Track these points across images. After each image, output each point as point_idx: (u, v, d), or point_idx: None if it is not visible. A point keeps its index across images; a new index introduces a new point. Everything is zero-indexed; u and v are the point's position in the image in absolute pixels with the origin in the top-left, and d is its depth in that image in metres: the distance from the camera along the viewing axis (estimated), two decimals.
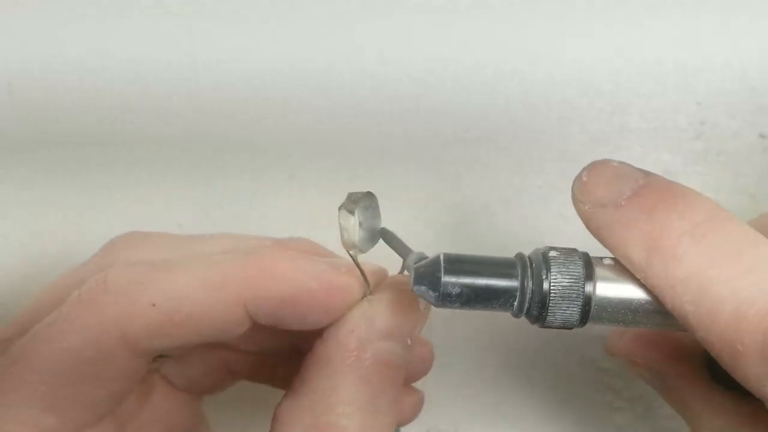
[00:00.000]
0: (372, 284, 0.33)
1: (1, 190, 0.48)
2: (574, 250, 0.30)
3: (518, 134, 0.47)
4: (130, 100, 0.47)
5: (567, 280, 0.29)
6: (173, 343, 0.32)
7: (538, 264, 0.30)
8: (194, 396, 0.38)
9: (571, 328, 0.30)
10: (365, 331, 0.32)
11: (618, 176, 0.29)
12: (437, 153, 0.48)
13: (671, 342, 0.37)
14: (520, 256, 0.30)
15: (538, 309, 0.30)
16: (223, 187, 0.48)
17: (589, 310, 0.29)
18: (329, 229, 0.46)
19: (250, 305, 0.31)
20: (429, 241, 0.47)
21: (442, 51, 0.48)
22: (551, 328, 0.30)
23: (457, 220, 0.48)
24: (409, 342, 0.33)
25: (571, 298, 0.29)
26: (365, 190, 0.33)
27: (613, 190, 0.29)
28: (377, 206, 0.33)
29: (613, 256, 0.30)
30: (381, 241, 0.33)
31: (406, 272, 0.32)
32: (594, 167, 0.30)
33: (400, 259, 0.32)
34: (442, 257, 0.29)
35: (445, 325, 0.45)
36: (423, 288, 0.29)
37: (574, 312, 0.29)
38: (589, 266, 0.30)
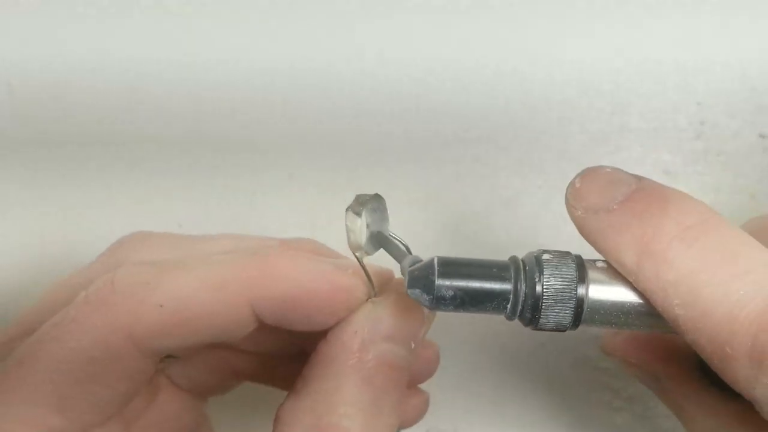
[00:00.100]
0: (377, 286, 0.33)
1: (1, 190, 0.48)
2: (567, 253, 0.30)
3: (518, 134, 0.47)
4: (130, 100, 0.47)
5: (560, 283, 0.29)
6: (181, 343, 0.32)
7: (531, 267, 0.30)
8: (199, 397, 0.38)
9: (563, 331, 0.30)
10: (369, 332, 0.32)
11: (611, 182, 0.29)
12: (437, 153, 0.48)
13: (664, 344, 0.37)
14: (513, 259, 0.30)
15: (531, 311, 0.30)
16: (223, 187, 0.48)
17: (581, 312, 0.30)
18: (329, 229, 0.46)
19: (256, 305, 0.32)
20: (429, 241, 0.47)
21: (442, 51, 0.48)
22: (544, 330, 0.30)
23: (457, 220, 0.48)
24: (413, 346, 0.33)
25: (563, 301, 0.29)
26: (365, 190, 0.33)
27: (606, 196, 0.29)
28: (385, 209, 0.34)
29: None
30: None
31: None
32: (587, 173, 0.30)
33: None
34: (435, 260, 0.29)
35: (443, 326, 0.45)
36: (417, 291, 0.29)
37: (566, 314, 0.29)
38: (582, 269, 0.30)
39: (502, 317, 0.30)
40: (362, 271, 0.33)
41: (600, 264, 0.30)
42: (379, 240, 0.33)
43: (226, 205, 0.48)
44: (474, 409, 0.48)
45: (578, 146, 0.47)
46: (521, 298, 0.29)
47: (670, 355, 0.37)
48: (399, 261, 0.32)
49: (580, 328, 0.30)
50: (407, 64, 0.48)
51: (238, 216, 0.48)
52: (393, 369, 0.32)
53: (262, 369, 0.39)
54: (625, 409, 0.47)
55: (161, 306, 0.31)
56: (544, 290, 0.29)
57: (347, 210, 0.32)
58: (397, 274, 0.35)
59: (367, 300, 0.33)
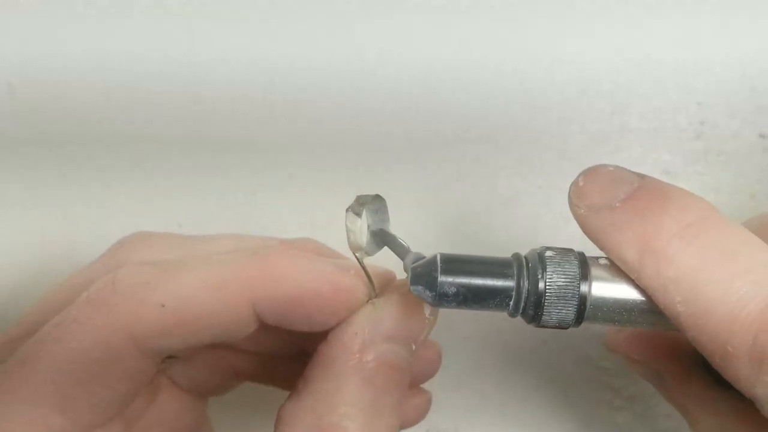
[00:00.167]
0: (378, 287, 0.33)
1: (1, 190, 0.48)
2: (570, 250, 0.30)
3: (518, 134, 0.47)
4: (130, 100, 0.47)
5: (563, 280, 0.29)
6: (182, 343, 0.32)
7: (534, 264, 0.30)
8: (199, 397, 0.38)
9: (566, 328, 0.30)
10: (369, 333, 0.32)
11: (613, 180, 0.30)
12: (437, 153, 0.48)
13: (666, 341, 0.37)
14: (516, 256, 0.30)
15: (533, 308, 0.30)
16: (223, 187, 0.48)
17: (584, 309, 0.29)
18: (329, 229, 0.46)
19: (257, 305, 0.32)
20: (429, 241, 0.47)
21: (442, 51, 0.48)
22: (547, 327, 0.30)
23: (457, 220, 0.48)
24: (414, 347, 0.33)
25: (566, 298, 0.29)
26: (365, 190, 0.33)
27: (608, 194, 0.29)
28: (386, 210, 0.34)
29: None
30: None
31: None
32: (590, 172, 0.30)
33: None
34: (438, 257, 0.29)
35: (445, 323, 0.45)
36: (420, 288, 0.29)
37: (569, 311, 0.29)
38: (584, 266, 0.30)
39: (504, 314, 0.30)
40: (363, 272, 0.33)
41: (603, 261, 0.30)
42: (382, 237, 0.33)
43: (226, 205, 0.48)
44: (475, 408, 0.48)
45: (578, 146, 0.47)
46: (524, 295, 0.29)
47: (673, 352, 0.37)
48: (402, 258, 0.32)
49: (583, 325, 0.30)
50: (407, 64, 0.48)
51: (238, 216, 0.48)
52: (394, 369, 0.32)
53: (263, 369, 0.39)
54: (626, 408, 0.47)
55: (163, 306, 0.31)
56: (547, 287, 0.29)
57: (347, 210, 0.32)
58: (398, 275, 0.35)
59: (367, 301, 0.33)
